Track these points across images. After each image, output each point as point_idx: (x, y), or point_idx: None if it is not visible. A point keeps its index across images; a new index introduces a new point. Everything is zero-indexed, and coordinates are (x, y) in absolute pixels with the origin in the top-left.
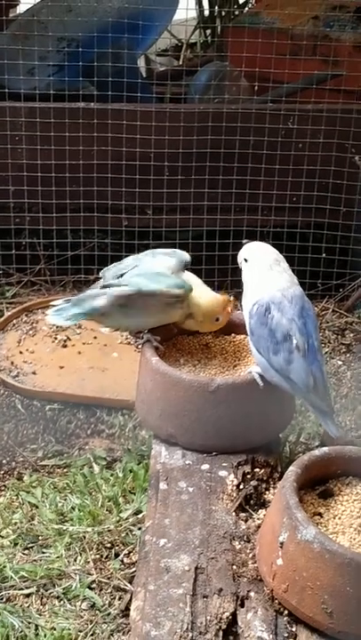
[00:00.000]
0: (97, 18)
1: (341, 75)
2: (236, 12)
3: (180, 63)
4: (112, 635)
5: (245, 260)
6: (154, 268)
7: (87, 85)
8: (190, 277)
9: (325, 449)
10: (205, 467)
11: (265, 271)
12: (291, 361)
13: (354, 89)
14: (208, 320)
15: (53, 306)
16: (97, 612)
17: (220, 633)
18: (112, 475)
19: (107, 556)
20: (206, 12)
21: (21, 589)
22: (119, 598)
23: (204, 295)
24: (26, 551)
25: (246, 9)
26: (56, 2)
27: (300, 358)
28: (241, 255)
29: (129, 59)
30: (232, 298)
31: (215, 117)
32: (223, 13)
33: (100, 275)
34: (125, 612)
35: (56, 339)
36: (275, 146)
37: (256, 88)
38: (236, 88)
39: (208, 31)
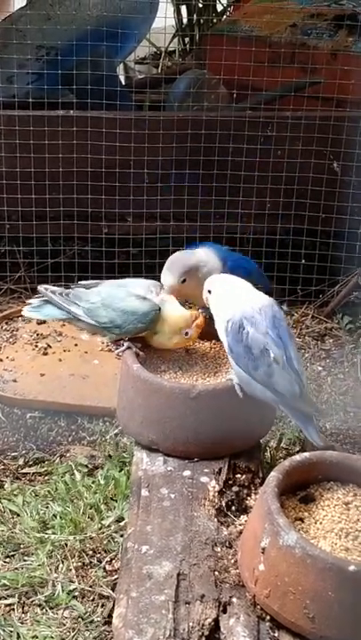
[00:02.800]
0: (76, 26)
1: (319, 82)
2: (215, 20)
3: (159, 71)
4: None
5: (210, 292)
6: (127, 302)
7: (66, 93)
8: (165, 296)
9: (306, 454)
10: (187, 473)
11: (230, 292)
12: (271, 374)
13: (332, 96)
14: (176, 335)
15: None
16: (79, 619)
17: (203, 639)
18: (94, 482)
19: (89, 564)
20: (185, 20)
21: (3, 598)
22: (102, 605)
23: (171, 311)
24: (7, 559)
25: (225, 17)
26: (35, 10)
27: (281, 370)
28: (205, 290)
29: (108, 67)
30: (201, 311)
31: (194, 125)
32: (202, 21)
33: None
34: (108, 619)
35: (37, 346)
36: (254, 153)
37: (235, 96)
38: (215, 96)
39: (187, 39)
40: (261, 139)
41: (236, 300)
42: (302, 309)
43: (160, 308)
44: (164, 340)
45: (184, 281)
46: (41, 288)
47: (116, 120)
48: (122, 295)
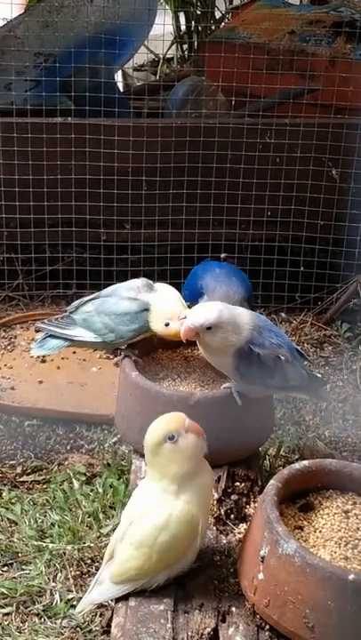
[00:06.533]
0: (74, 33)
1: (318, 89)
2: (213, 27)
3: (158, 78)
4: None
5: (209, 329)
6: (119, 305)
7: (64, 100)
8: (160, 287)
9: (305, 462)
10: None
11: (229, 321)
12: (286, 374)
13: (330, 103)
14: (158, 323)
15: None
16: (78, 629)
17: None
18: (92, 490)
19: (87, 573)
20: (183, 28)
21: (1, 607)
22: (100, 615)
23: (158, 302)
24: (5, 568)
25: (223, 24)
26: (33, 17)
27: (291, 366)
28: (201, 326)
29: (106, 74)
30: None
31: (193, 132)
32: (200, 28)
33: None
34: (107, 628)
35: None
36: (252, 160)
37: (233, 102)
38: (214, 103)
39: (185, 46)
40: (260, 146)
41: (236, 327)
42: (301, 316)
43: (149, 307)
44: (153, 327)
45: None
46: (38, 324)
47: (115, 127)
48: (114, 300)
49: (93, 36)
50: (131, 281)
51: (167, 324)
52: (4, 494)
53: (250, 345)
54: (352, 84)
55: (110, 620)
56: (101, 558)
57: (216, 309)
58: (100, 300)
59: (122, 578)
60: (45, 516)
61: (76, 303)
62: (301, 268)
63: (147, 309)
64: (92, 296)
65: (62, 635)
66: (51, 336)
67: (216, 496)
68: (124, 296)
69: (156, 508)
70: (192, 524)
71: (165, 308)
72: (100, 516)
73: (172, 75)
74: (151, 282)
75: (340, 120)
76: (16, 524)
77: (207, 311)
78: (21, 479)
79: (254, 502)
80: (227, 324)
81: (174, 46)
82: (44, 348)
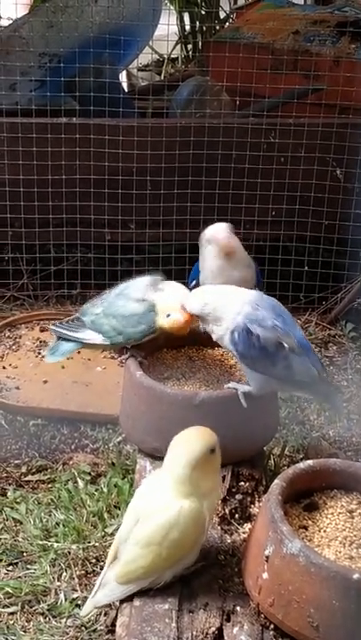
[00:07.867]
0: (78, 33)
1: (322, 89)
2: (217, 27)
3: (162, 78)
4: None
5: (195, 310)
6: (127, 307)
7: (69, 101)
8: (167, 285)
9: (310, 462)
10: None
11: (219, 300)
12: (290, 365)
13: (335, 103)
14: (161, 317)
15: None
16: (83, 628)
17: None
18: (97, 490)
19: (92, 572)
20: (188, 28)
21: (6, 606)
22: (105, 614)
23: (163, 298)
24: (10, 567)
25: (227, 24)
26: (38, 17)
27: (297, 357)
28: (187, 310)
29: (111, 74)
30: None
31: (197, 132)
32: (204, 28)
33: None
34: (111, 628)
35: (39, 353)
36: (257, 160)
37: (237, 102)
38: (218, 103)
39: (189, 46)
40: (264, 145)
41: (231, 306)
42: (306, 316)
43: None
44: (158, 323)
45: None
46: (51, 326)
47: (119, 127)
48: (122, 302)
49: (98, 36)
50: (139, 280)
51: (168, 315)
52: (9, 494)
53: (247, 322)
54: (356, 83)
55: (115, 619)
56: (106, 557)
57: (197, 296)
58: (108, 301)
59: (128, 578)
60: (50, 515)
61: (86, 305)
62: (306, 268)
63: (153, 310)
64: (101, 297)
65: (67, 634)
66: (63, 339)
67: (221, 495)
68: (131, 297)
69: (166, 506)
70: (200, 519)
71: (168, 303)
72: (105, 515)
73: (177, 75)
74: (159, 278)
75: (345, 120)
76: (21, 523)
77: (191, 298)
78: (26, 478)
79: (259, 502)
80: (207, 312)
81: (179, 46)
82: (57, 354)
